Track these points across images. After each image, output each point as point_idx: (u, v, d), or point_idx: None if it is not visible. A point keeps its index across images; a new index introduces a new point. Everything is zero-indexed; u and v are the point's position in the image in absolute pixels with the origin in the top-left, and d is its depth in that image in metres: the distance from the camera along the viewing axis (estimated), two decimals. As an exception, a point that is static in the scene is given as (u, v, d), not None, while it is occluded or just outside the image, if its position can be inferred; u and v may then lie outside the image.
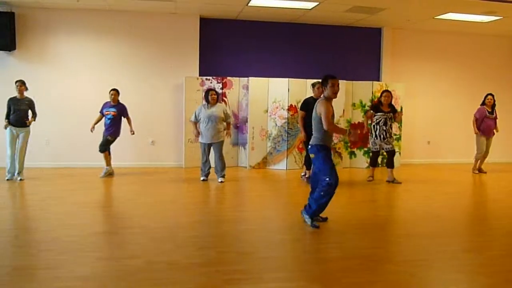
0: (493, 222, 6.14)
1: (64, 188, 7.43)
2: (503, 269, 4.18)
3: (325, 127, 5.09)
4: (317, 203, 5.12)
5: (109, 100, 8.34)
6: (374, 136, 8.28)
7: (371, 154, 8.65)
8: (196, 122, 8.04)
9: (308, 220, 5.21)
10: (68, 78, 9.29)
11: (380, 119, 8.17)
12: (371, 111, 8.32)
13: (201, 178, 8.13)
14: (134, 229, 5.23)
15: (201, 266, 4.08)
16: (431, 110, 11.12)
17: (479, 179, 9.26)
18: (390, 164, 8.32)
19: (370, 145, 8.51)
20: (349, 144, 6.01)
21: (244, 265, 4.15)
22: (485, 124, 9.55)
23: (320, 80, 5.56)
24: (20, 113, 7.79)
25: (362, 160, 10.30)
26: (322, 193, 5.07)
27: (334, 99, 5.33)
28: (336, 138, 9.77)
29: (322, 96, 5.35)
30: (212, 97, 7.94)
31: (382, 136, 8.22)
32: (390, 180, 8.29)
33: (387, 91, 8.39)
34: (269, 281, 3.79)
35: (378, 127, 8.21)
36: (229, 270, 3.99)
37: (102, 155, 8.34)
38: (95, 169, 8.95)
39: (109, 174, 8.43)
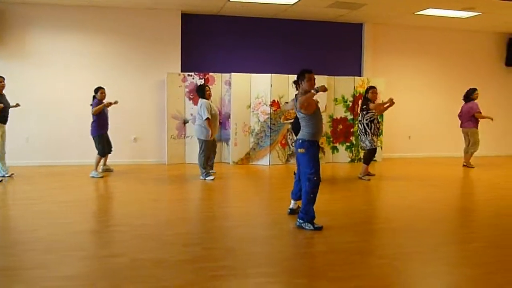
0: (474, 214, 6.25)
1: (46, 186, 7.34)
2: (485, 261, 4.26)
3: (299, 107, 5.10)
4: (307, 201, 5.10)
5: (97, 98, 8.17)
6: (371, 134, 8.09)
7: (366, 152, 8.34)
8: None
9: (308, 226, 5.10)
10: (48, 75, 9.17)
11: (373, 116, 8.13)
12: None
13: (211, 178, 7.94)
14: (118, 227, 5.21)
15: (187, 263, 4.08)
16: (412, 105, 11.25)
17: (462, 172, 9.40)
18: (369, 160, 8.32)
19: (365, 145, 8.23)
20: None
21: (230, 261, 4.16)
22: (476, 118, 9.71)
23: None
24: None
25: (344, 155, 10.38)
26: (309, 191, 5.08)
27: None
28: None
29: (299, 92, 5.33)
30: (208, 93, 7.93)
31: (377, 133, 8.24)
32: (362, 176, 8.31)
33: (373, 87, 8.30)
34: (255, 277, 3.81)
35: (372, 125, 8.10)
36: (215, 266, 4.00)
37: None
38: (77, 167, 8.92)
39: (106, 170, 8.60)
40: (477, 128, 9.68)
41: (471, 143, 9.73)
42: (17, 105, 8.02)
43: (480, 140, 9.71)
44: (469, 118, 9.71)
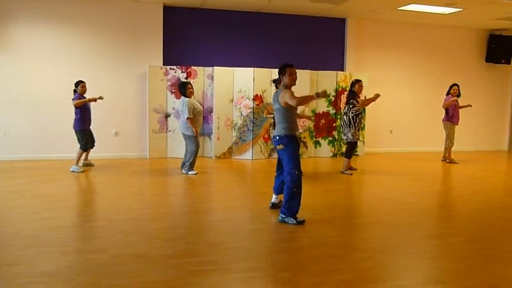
0: (455, 209, 6.32)
1: (24, 181, 7.19)
2: (466, 255, 4.30)
3: (294, 103, 5.03)
4: (289, 196, 5.07)
5: (78, 92, 8.02)
6: (354, 127, 8.09)
7: (347, 145, 8.36)
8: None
9: (291, 220, 5.08)
10: (28, 68, 8.97)
11: (358, 110, 8.13)
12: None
13: (194, 172, 7.91)
14: (99, 222, 5.14)
15: (169, 258, 4.03)
16: (394, 100, 11.32)
17: (443, 167, 9.49)
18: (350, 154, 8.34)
19: (346, 137, 8.22)
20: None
21: (213, 256, 4.12)
22: (455, 112, 9.76)
23: None
24: None
25: (326, 149, 10.40)
26: (291, 185, 5.05)
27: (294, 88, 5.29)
28: (301, 128, 9.83)
29: (281, 86, 5.29)
30: (190, 91, 7.84)
31: (359, 128, 8.25)
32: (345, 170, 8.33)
33: (359, 80, 8.27)
34: (238, 271, 3.78)
35: (357, 118, 8.11)
36: (197, 261, 3.96)
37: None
38: (58, 161, 8.79)
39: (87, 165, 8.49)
40: (451, 122, 9.74)
41: (445, 138, 9.83)
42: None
43: (454, 135, 9.78)
44: (445, 112, 9.81)
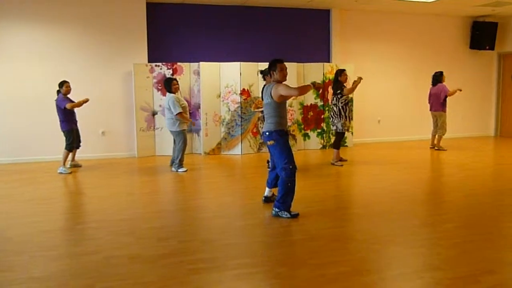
0: (446, 195, 6.33)
1: (12, 184, 7.08)
2: (460, 241, 4.32)
3: (296, 93, 5.04)
4: (284, 191, 5.05)
5: (62, 92, 7.90)
6: (344, 117, 8.07)
7: (335, 136, 8.32)
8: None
9: (285, 214, 5.07)
10: (10, 68, 8.78)
11: (347, 99, 8.12)
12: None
13: (183, 170, 7.85)
14: (90, 224, 5.06)
15: (164, 257, 3.98)
16: (381, 89, 11.35)
17: (431, 155, 9.54)
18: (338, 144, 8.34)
19: (336, 128, 8.19)
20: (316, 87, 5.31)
21: (208, 253, 4.08)
22: (445, 100, 9.83)
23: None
24: None
25: (315, 141, 10.39)
26: (286, 180, 5.02)
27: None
28: (289, 120, 9.81)
29: (271, 81, 5.24)
30: (175, 87, 7.78)
31: (349, 117, 8.24)
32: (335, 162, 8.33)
33: (343, 70, 8.24)
34: (235, 268, 3.74)
35: (347, 108, 8.09)
36: (192, 260, 3.91)
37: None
38: (45, 163, 8.68)
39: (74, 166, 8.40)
40: (445, 111, 9.82)
41: (439, 126, 9.87)
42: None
43: (446, 123, 9.85)
44: (439, 101, 9.82)
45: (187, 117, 7.74)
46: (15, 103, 8.85)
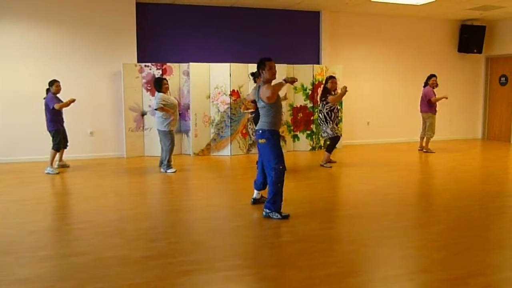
0: (435, 198, 6.37)
1: (-2, 185, 7.01)
2: (449, 243, 4.34)
3: (269, 94, 5.00)
4: (274, 192, 5.05)
5: (52, 91, 7.83)
6: (331, 122, 8.10)
7: (330, 140, 8.29)
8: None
9: (276, 215, 5.07)
10: (-4, 68, 8.71)
11: (332, 106, 8.13)
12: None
13: (172, 170, 7.83)
14: (78, 225, 5.00)
15: (152, 259, 3.95)
16: (370, 91, 11.39)
17: (420, 157, 9.59)
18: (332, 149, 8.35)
19: (326, 134, 8.22)
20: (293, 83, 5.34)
21: (197, 255, 4.06)
22: (434, 104, 9.87)
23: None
24: None
25: (305, 143, 10.40)
26: (276, 180, 5.03)
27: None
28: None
29: (261, 81, 5.24)
30: (166, 87, 7.76)
31: (337, 121, 8.26)
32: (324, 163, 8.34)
33: (333, 77, 8.28)
34: (224, 270, 3.72)
35: (332, 113, 8.11)
36: (181, 261, 3.89)
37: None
38: (31, 163, 8.59)
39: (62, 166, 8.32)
40: (433, 113, 9.87)
41: (427, 128, 9.93)
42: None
43: (435, 125, 9.90)
44: (425, 103, 9.90)
45: (168, 109, 7.68)
46: (2, 103, 8.74)
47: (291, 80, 5.21)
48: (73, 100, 7.83)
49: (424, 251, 4.14)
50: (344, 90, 7.94)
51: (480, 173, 8.08)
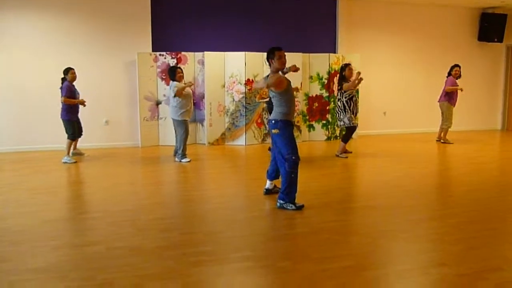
0: (452, 189, 6.26)
1: (14, 173, 7.05)
2: (466, 236, 4.25)
3: (273, 80, 4.97)
4: (288, 182, 5.00)
5: (68, 80, 7.84)
6: (350, 111, 7.97)
7: (345, 130, 8.24)
8: None
9: (290, 206, 5.02)
10: (13, 58, 8.72)
11: (351, 94, 8.01)
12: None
13: (187, 160, 7.79)
14: (92, 214, 5.01)
15: (165, 249, 3.93)
16: (387, 81, 11.23)
17: (437, 148, 9.45)
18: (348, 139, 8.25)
19: (343, 123, 8.09)
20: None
21: (210, 246, 4.02)
22: (454, 94, 9.67)
23: None
24: None
25: (320, 133, 10.31)
26: (290, 171, 4.97)
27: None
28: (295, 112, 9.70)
29: (271, 70, 5.17)
30: (180, 75, 7.72)
31: (355, 111, 8.15)
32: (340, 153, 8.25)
33: (349, 64, 8.16)
34: (237, 261, 3.69)
35: (351, 102, 7.99)
36: (195, 252, 3.86)
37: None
38: (47, 152, 8.66)
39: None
40: (450, 103, 9.66)
41: (444, 118, 9.76)
42: None
43: (452, 116, 9.70)
44: (443, 93, 9.72)
45: (184, 86, 7.63)
46: (18, 92, 8.80)
47: (292, 69, 5.15)
48: (82, 102, 7.86)
49: (441, 245, 4.06)
50: (358, 75, 7.79)
51: (499, 164, 7.92)
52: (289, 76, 5.48)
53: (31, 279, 3.36)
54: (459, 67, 9.66)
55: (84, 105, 7.92)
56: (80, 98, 7.95)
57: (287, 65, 5.19)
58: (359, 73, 7.81)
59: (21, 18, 8.72)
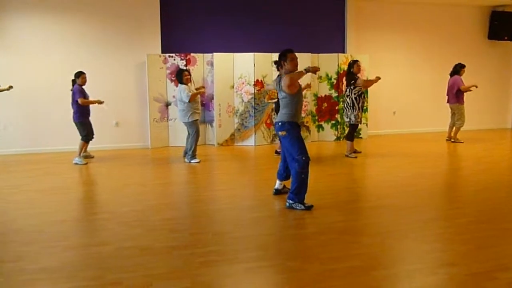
0: (461, 189, 6.22)
1: (25, 175, 7.12)
2: (475, 236, 4.23)
3: (287, 82, 4.96)
4: (298, 183, 5.01)
5: (77, 83, 7.91)
6: (357, 109, 7.96)
7: (349, 127, 8.20)
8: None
9: (299, 206, 5.04)
10: (24, 60, 8.82)
11: (360, 90, 7.99)
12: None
13: (196, 161, 7.83)
14: (102, 215, 5.05)
15: (175, 249, 3.95)
16: (396, 81, 11.18)
17: (448, 147, 9.40)
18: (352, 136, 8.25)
19: (349, 119, 8.07)
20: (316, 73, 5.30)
21: (219, 245, 4.05)
22: (462, 93, 9.62)
23: None
24: None
25: (329, 133, 10.30)
26: (300, 171, 4.98)
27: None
28: (303, 112, 9.72)
29: (283, 72, 5.18)
30: (187, 78, 7.75)
31: (362, 109, 8.14)
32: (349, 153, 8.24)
33: (357, 60, 8.14)
34: (246, 261, 3.70)
35: (360, 99, 7.97)
36: (204, 252, 3.88)
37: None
38: (57, 153, 8.72)
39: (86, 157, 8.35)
40: (461, 103, 9.62)
41: (457, 118, 9.70)
42: (10, 87, 8.03)
43: (464, 114, 9.65)
44: (453, 94, 9.65)
45: (196, 93, 7.71)
46: (28, 94, 8.89)
47: (313, 70, 5.15)
48: (100, 102, 7.93)
49: (450, 245, 4.04)
50: (377, 79, 7.88)
51: (509, 164, 7.85)
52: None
53: (43, 278, 3.41)
54: (465, 66, 9.62)
55: (102, 103, 7.99)
56: (89, 93, 8.03)
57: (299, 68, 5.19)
58: (378, 78, 7.85)
59: (33, 21, 8.81)
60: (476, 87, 9.58)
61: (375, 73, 10.52)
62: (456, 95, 9.61)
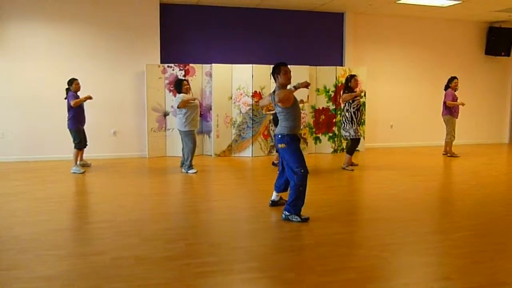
0: (458, 203, 6.23)
1: (23, 183, 7.11)
2: (471, 250, 4.24)
3: (281, 97, 4.99)
4: (296, 195, 5.03)
5: (71, 90, 7.93)
6: (356, 123, 8.00)
7: (350, 142, 8.24)
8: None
9: (295, 218, 5.05)
10: (22, 68, 8.85)
11: (358, 104, 8.04)
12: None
13: (193, 171, 7.86)
14: (98, 224, 5.05)
15: (170, 259, 3.95)
16: (394, 94, 11.25)
17: (444, 161, 9.43)
18: (353, 151, 8.27)
19: (348, 134, 8.08)
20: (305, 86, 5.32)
21: (215, 256, 4.05)
22: (456, 107, 9.69)
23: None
24: None
25: (327, 145, 10.32)
26: (298, 184, 5.01)
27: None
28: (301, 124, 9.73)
29: (276, 86, 5.21)
30: (186, 87, 7.81)
31: (360, 123, 8.18)
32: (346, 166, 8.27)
33: (355, 75, 8.22)
34: (242, 272, 3.70)
35: (358, 113, 8.03)
36: (199, 263, 3.88)
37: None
38: (55, 162, 8.72)
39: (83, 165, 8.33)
40: (452, 116, 9.65)
41: (446, 131, 9.75)
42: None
43: (455, 129, 9.69)
44: (445, 106, 9.72)
45: (189, 98, 7.72)
46: (26, 102, 8.91)
47: (303, 85, 5.10)
48: (89, 97, 7.93)
49: (446, 259, 4.06)
50: (360, 92, 7.94)
51: (506, 178, 7.89)
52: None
53: (39, 287, 3.40)
54: (457, 79, 9.67)
55: (91, 98, 7.96)
56: (84, 106, 8.04)
57: (294, 81, 5.21)
58: (361, 92, 7.99)
59: (33, 30, 8.85)
60: (463, 105, 9.62)
61: (372, 86, 10.64)
62: (447, 108, 9.67)
